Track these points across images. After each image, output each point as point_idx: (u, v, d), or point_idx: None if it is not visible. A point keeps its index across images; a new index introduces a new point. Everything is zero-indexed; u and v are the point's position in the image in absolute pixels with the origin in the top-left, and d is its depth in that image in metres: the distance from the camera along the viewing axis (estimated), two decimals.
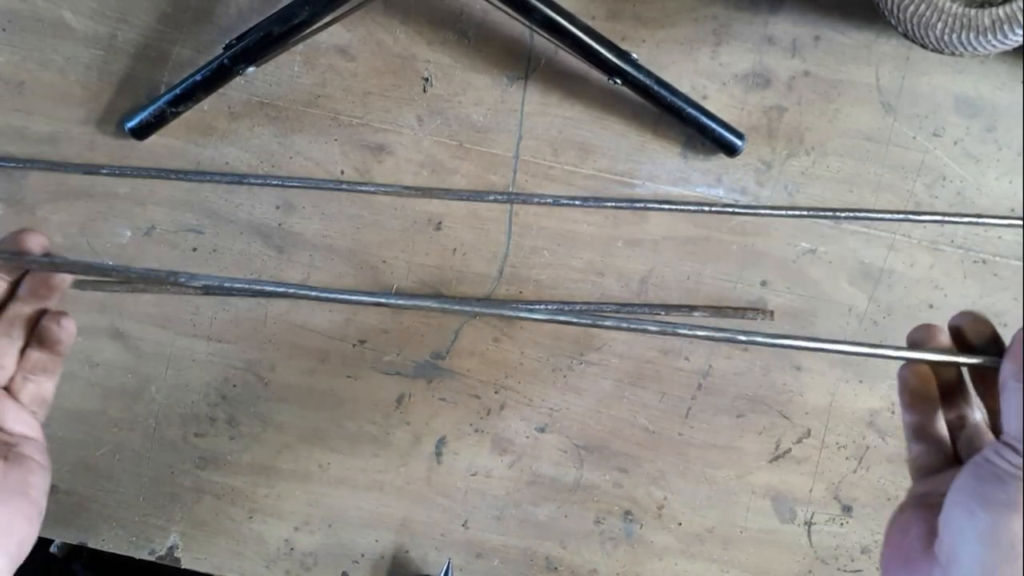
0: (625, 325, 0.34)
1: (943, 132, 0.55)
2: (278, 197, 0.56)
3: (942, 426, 0.39)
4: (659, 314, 0.57)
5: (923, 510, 0.36)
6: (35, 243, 0.36)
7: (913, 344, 0.38)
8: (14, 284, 0.38)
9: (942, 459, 0.38)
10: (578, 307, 0.56)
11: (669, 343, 0.57)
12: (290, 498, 0.59)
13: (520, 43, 0.55)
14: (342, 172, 0.56)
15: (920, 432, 0.38)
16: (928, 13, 0.47)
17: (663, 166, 0.56)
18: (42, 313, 0.38)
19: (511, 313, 0.34)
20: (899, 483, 0.57)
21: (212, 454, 0.58)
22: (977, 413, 0.38)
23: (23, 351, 0.38)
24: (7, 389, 0.38)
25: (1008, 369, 0.34)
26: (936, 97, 0.55)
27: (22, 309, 0.38)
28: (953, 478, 0.36)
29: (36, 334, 0.38)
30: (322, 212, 0.56)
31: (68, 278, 0.37)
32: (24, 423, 0.38)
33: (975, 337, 0.36)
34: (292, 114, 0.56)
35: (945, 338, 0.37)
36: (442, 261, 0.57)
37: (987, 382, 0.37)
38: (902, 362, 0.39)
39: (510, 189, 0.56)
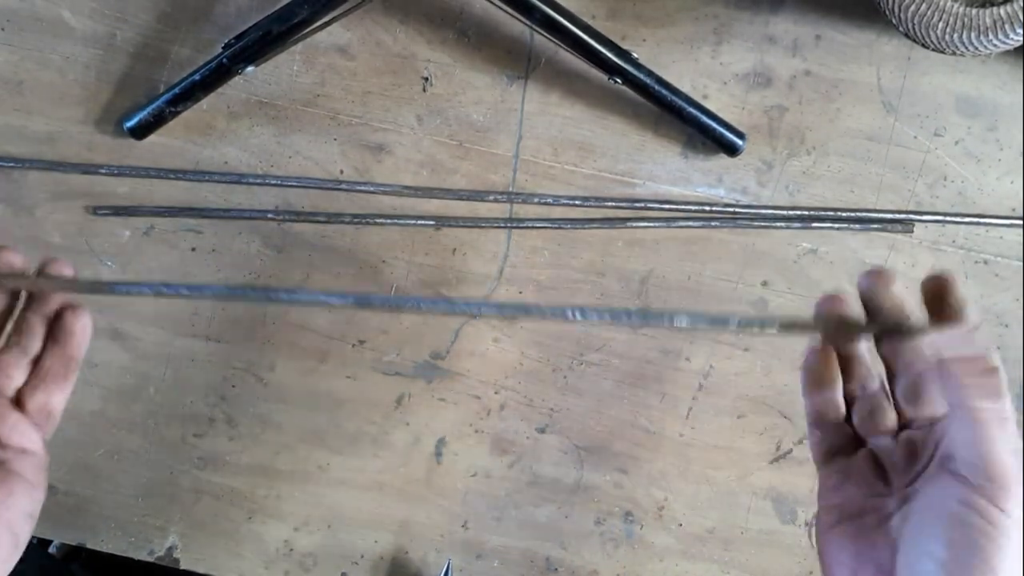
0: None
1: (944, 132, 0.55)
2: (277, 197, 0.56)
3: (841, 404, 0.37)
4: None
5: (859, 533, 0.34)
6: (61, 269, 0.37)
7: (821, 317, 0.36)
8: (14, 296, 0.37)
9: (844, 439, 0.37)
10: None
11: (670, 343, 0.57)
12: (289, 499, 0.59)
13: (520, 42, 0.55)
14: (341, 172, 0.56)
15: (821, 417, 0.37)
16: (929, 13, 0.47)
17: (664, 166, 0.56)
18: (50, 319, 0.37)
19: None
20: None
21: (211, 455, 0.58)
22: (876, 380, 0.37)
23: (37, 361, 0.37)
24: (16, 400, 0.37)
25: (955, 395, 0.31)
26: (937, 97, 0.55)
27: (28, 316, 0.37)
28: (862, 465, 0.35)
29: (51, 331, 0.37)
30: (321, 211, 0.56)
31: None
32: (25, 436, 0.37)
33: (881, 302, 0.34)
34: (291, 113, 0.56)
35: (849, 308, 0.35)
36: (442, 261, 0.57)
37: (894, 347, 0.35)
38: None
39: (510, 189, 0.56)
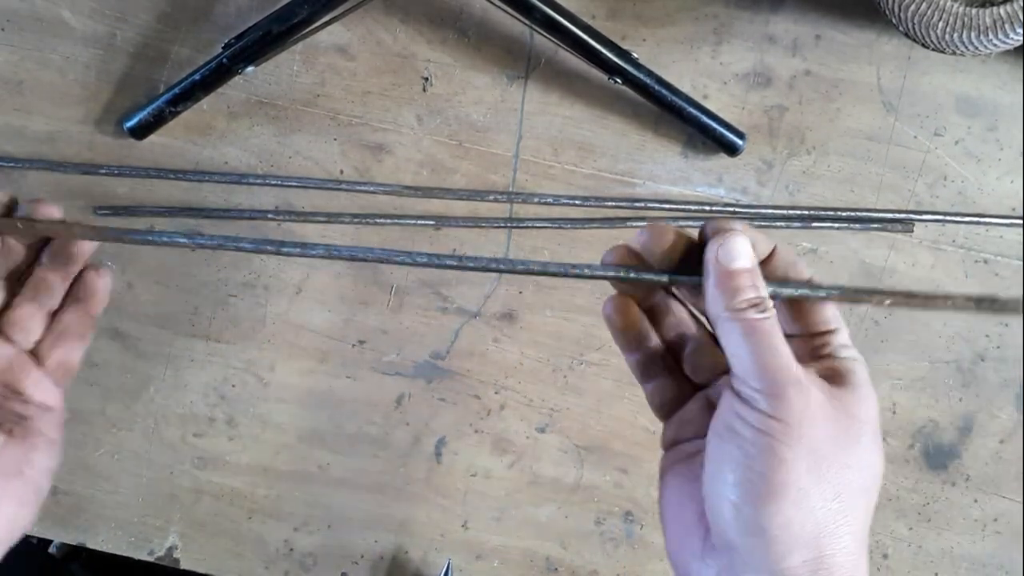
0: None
1: (944, 132, 0.55)
2: (277, 197, 0.56)
3: (659, 353, 0.35)
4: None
5: (686, 471, 0.32)
6: (50, 213, 0.36)
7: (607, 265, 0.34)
8: (36, 250, 0.37)
9: (678, 388, 0.35)
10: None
11: None
12: (289, 499, 0.58)
13: (520, 42, 0.55)
14: (341, 172, 0.56)
15: (647, 368, 0.35)
16: (929, 12, 0.47)
17: (664, 165, 0.56)
18: (71, 280, 0.38)
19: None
20: (899, 482, 0.57)
21: (211, 454, 0.58)
22: (692, 324, 0.35)
23: (54, 316, 0.38)
24: (33, 355, 0.38)
25: (716, 301, 0.30)
26: (937, 97, 0.55)
27: (47, 274, 0.37)
28: (694, 410, 0.34)
29: (71, 291, 0.38)
30: (321, 211, 0.56)
31: (89, 247, 0.37)
32: (46, 391, 0.37)
33: (664, 250, 0.33)
34: (291, 113, 0.56)
35: (637, 258, 0.34)
36: None
37: (695, 291, 0.33)
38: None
39: (510, 189, 0.56)
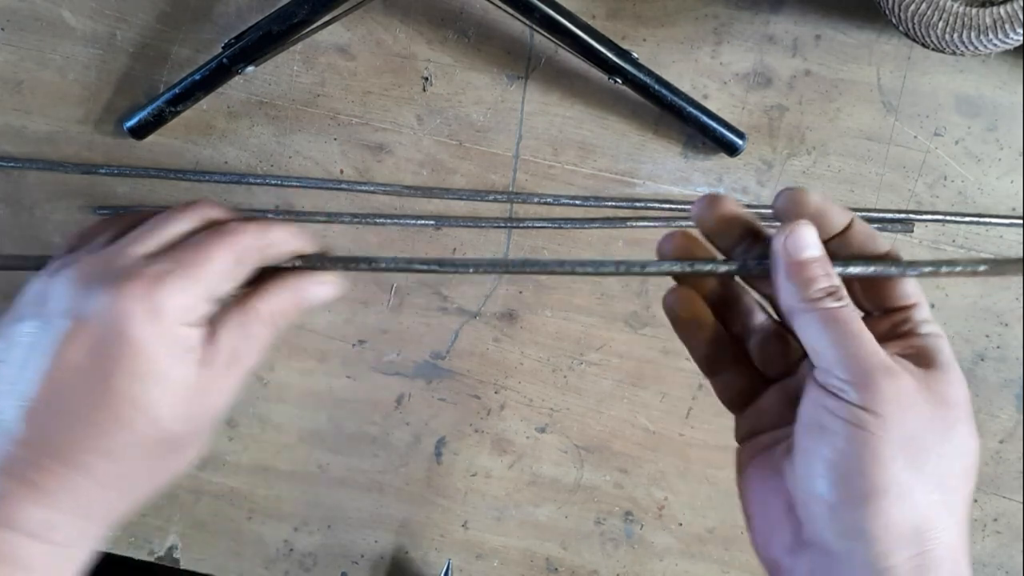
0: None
1: (944, 132, 0.55)
2: (277, 197, 0.56)
3: (731, 345, 0.34)
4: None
5: (768, 463, 0.31)
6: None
7: (662, 255, 0.32)
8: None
9: (748, 381, 0.33)
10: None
11: (670, 343, 0.57)
12: (289, 499, 0.58)
13: (520, 42, 0.55)
14: (341, 171, 0.56)
15: (713, 362, 0.33)
16: (929, 12, 0.47)
17: (664, 166, 0.56)
18: None
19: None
20: None
21: (211, 455, 0.58)
22: (759, 314, 0.33)
23: None
24: None
25: (790, 294, 0.29)
26: (937, 96, 0.55)
27: None
28: (771, 402, 0.32)
29: None
30: (321, 211, 0.56)
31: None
32: None
33: (728, 232, 0.32)
34: (291, 113, 0.56)
35: (696, 244, 0.32)
36: None
37: (760, 279, 0.32)
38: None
39: (510, 189, 0.56)
